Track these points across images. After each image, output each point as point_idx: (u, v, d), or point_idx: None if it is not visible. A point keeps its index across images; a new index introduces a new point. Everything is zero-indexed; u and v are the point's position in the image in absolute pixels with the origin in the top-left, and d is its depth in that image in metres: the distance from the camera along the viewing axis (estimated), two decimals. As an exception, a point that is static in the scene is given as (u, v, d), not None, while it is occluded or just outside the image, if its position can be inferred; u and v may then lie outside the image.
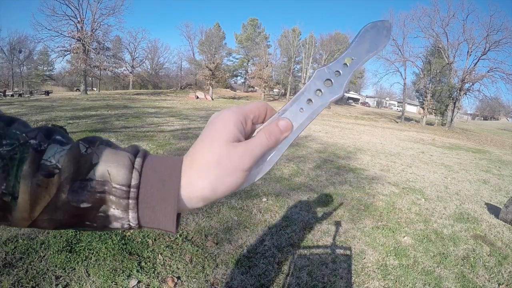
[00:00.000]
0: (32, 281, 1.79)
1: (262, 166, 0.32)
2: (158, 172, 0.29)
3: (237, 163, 0.29)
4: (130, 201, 0.28)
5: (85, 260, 2.03)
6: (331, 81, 0.32)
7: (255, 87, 46.38)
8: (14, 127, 0.29)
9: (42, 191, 0.27)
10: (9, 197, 0.27)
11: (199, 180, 0.29)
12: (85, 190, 0.28)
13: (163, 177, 0.29)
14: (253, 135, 0.32)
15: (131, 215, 0.29)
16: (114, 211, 0.28)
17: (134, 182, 0.28)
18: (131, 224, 0.29)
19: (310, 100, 0.33)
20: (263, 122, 0.33)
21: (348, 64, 0.32)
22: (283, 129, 0.32)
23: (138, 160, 0.29)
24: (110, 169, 0.28)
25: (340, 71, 0.32)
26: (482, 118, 71.32)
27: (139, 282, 1.90)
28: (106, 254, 2.11)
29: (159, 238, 2.38)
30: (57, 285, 1.79)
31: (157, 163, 0.30)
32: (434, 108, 29.94)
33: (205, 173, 0.29)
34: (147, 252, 2.20)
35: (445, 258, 2.64)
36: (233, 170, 0.29)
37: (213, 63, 33.10)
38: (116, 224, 0.29)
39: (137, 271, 1.99)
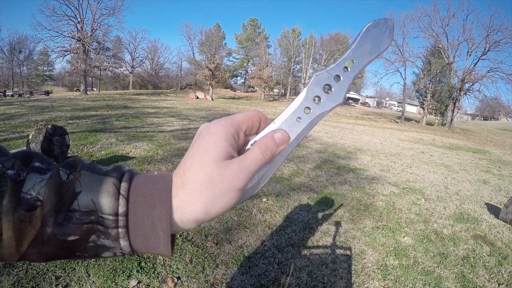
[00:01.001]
0: (32, 281, 1.79)
1: (256, 182, 0.30)
2: (146, 196, 0.28)
3: (230, 182, 0.28)
4: (120, 229, 0.27)
5: (85, 260, 2.03)
6: (330, 86, 0.30)
7: (255, 87, 46.38)
8: None
9: (26, 225, 0.26)
10: None
11: (192, 204, 0.27)
12: (70, 223, 0.26)
13: (153, 201, 0.27)
14: (246, 147, 0.30)
15: (123, 243, 0.27)
16: (104, 241, 0.27)
17: (121, 210, 0.27)
18: (123, 251, 0.28)
19: (308, 108, 0.30)
20: (257, 133, 0.31)
21: (348, 68, 0.30)
22: (279, 142, 0.30)
23: (123, 185, 0.27)
24: (95, 198, 0.27)
25: (341, 76, 0.30)
26: (482, 118, 71.33)
27: (139, 282, 1.90)
28: (106, 254, 2.11)
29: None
30: (57, 285, 1.79)
31: (144, 187, 0.28)
32: (434, 108, 29.94)
33: (197, 196, 0.27)
34: (147, 252, 2.20)
35: (445, 258, 2.64)
36: (227, 190, 0.28)
37: (213, 63, 33.09)
38: (107, 254, 0.28)
39: (137, 271, 1.99)
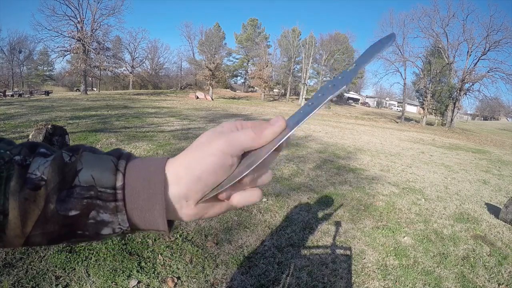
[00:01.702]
0: (32, 281, 1.79)
1: (244, 166, 0.30)
2: (142, 171, 0.29)
3: (215, 147, 0.29)
4: (118, 203, 0.28)
5: (85, 260, 2.03)
6: (339, 75, 0.32)
7: (255, 87, 46.38)
8: None
9: (30, 204, 0.27)
10: (0, 216, 0.27)
11: (181, 169, 0.29)
12: (71, 198, 0.28)
13: (148, 176, 0.29)
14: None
15: (120, 217, 0.28)
16: (103, 215, 0.28)
17: (119, 183, 0.28)
18: (122, 227, 0.29)
19: (322, 94, 0.31)
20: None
21: (354, 65, 0.32)
22: (273, 123, 0.31)
23: (121, 162, 0.29)
24: (94, 173, 0.28)
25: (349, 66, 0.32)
26: (482, 118, 71.32)
27: (139, 282, 1.90)
28: (106, 254, 2.11)
29: (159, 239, 2.38)
30: (57, 285, 1.79)
31: (140, 164, 0.30)
32: (434, 108, 29.91)
33: (184, 157, 0.30)
34: (147, 252, 2.20)
35: (445, 258, 2.64)
36: (209, 153, 0.29)
37: (213, 63, 33.08)
38: (107, 230, 0.29)
39: (137, 271, 1.99)
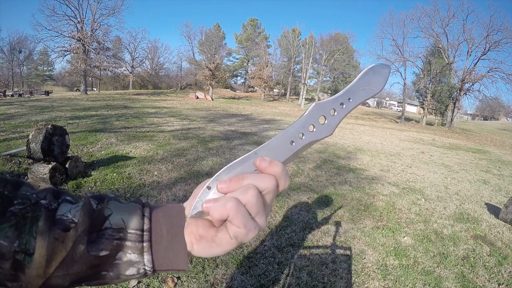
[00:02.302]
0: (32, 281, 1.79)
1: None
2: (165, 216, 0.33)
3: None
4: (145, 244, 0.31)
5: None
6: (325, 118, 0.32)
7: (255, 87, 46.38)
8: (23, 189, 0.32)
9: (59, 245, 0.29)
10: (22, 255, 0.28)
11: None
12: (103, 239, 0.30)
13: (171, 219, 0.32)
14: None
15: (146, 257, 0.30)
16: (130, 255, 0.30)
17: (146, 226, 0.31)
18: (146, 267, 0.31)
19: (302, 133, 0.32)
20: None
21: (344, 104, 0.32)
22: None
23: (146, 209, 0.33)
24: (124, 217, 0.31)
25: (336, 110, 0.32)
26: (482, 118, 71.28)
27: (139, 282, 1.90)
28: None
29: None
30: (57, 285, 1.79)
31: (162, 211, 0.33)
32: (434, 108, 29.90)
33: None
34: (147, 252, 2.20)
35: (445, 258, 2.64)
36: None
37: (213, 63, 33.08)
38: (132, 270, 0.31)
39: (137, 271, 1.99)
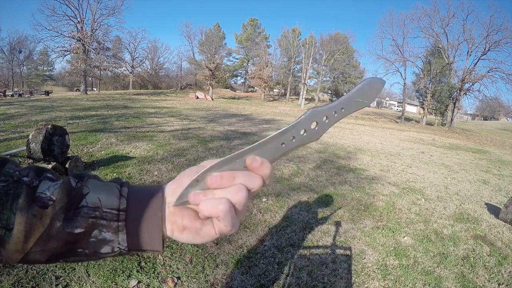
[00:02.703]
0: (32, 281, 1.79)
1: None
2: (143, 196, 0.33)
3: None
4: (120, 223, 0.31)
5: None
6: (317, 123, 0.33)
7: (255, 87, 46.39)
8: (7, 166, 0.33)
9: (37, 221, 0.30)
10: (3, 230, 0.29)
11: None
12: (78, 216, 0.30)
13: (148, 200, 0.32)
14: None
15: (121, 237, 0.31)
16: (105, 234, 0.31)
17: (122, 206, 0.31)
18: (120, 246, 0.31)
19: (294, 137, 0.33)
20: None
21: (337, 113, 0.33)
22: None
23: (124, 189, 0.33)
24: (101, 196, 0.32)
25: (328, 118, 0.33)
26: (482, 118, 71.27)
27: (139, 282, 1.90)
28: (106, 254, 2.11)
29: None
30: (57, 285, 1.79)
31: (141, 191, 0.34)
32: (434, 108, 29.90)
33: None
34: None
35: (445, 258, 2.64)
36: None
37: (213, 63, 33.08)
38: (106, 248, 0.31)
39: (137, 271, 1.99)
